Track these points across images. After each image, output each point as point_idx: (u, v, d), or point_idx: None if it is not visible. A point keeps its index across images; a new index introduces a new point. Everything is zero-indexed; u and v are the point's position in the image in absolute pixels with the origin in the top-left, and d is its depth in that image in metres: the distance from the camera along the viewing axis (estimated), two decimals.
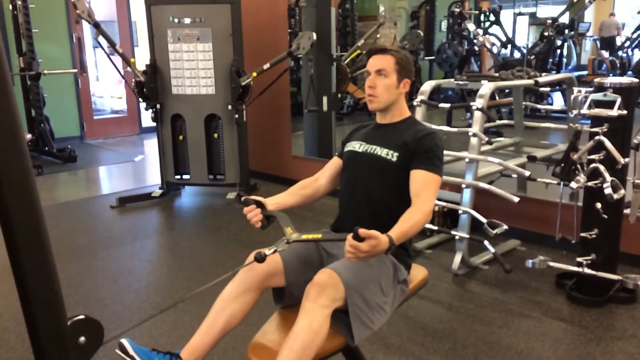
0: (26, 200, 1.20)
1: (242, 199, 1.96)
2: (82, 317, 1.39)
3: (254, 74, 4.53)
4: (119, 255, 3.73)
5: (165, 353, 1.78)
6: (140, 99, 4.85)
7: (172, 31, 4.67)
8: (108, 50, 4.64)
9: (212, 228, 4.27)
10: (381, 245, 1.60)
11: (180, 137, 4.90)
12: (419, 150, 1.94)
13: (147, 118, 8.44)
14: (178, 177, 5.02)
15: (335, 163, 2.21)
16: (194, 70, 4.72)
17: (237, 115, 4.69)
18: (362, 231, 1.55)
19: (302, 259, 1.94)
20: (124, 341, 1.72)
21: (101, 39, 4.35)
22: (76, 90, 7.81)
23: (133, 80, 4.79)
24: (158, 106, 4.81)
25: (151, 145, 7.68)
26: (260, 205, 1.93)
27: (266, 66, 4.51)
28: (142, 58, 6.42)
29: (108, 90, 9.87)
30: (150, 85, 4.72)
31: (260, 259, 1.63)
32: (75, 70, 7.21)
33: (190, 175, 4.96)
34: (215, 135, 4.84)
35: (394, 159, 1.96)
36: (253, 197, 1.95)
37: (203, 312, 1.84)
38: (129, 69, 5.10)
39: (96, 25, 4.27)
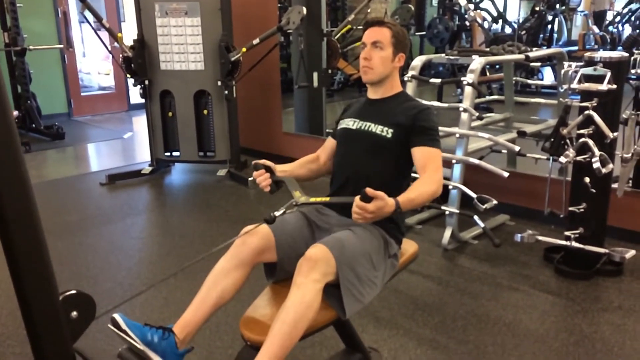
0: (16, 177, 1.19)
1: (253, 162, 1.97)
2: (73, 292, 1.39)
3: (244, 50, 4.48)
4: (109, 232, 3.72)
5: (158, 328, 1.79)
6: (128, 75, 4.78)
7: (160, 5, 4.60)
8: (94, 25, 4.56)
9: (203, 205, 4.27)
10: (387, 207, 1.64)
11: (170, 114, 4.85)
12: (417, 127, 1.94)
13: (135, 94, 8.34)
14: (168, 154, 4.99)
15: (330, 144, 2.21)
16: (183, 45, 4.66)
17: (226, 92, 4.65)
18: (369, 191, 1.60)
19: (293, 234, 1.94)
20: (117, 316, 1.73)
21: (87, 13, 4.27)
22: (63, 66, 7.69)
23: (120, 55, 4.72)
24: (146, 82, 4.75)
25: (140, 122, 7.62)
26: (269, 170, 1.95)
27: (256, 41, 4.46)
28: (129, 33, 6.31)
29: (95, 66, 9.73)
30: (138, 61, 4.66)
31: (270, 220, 1.69)
32: (62, 46, 7.08)
33: (180, 152, 4.94)
34: (205, 111, 4.80)
35: (389, 135, 1.95)
36: (263, 161, 1.96)
37: (194, 288, 1.85)
38: (116, 44, 5.03)
39: (82, 0, 4.18)
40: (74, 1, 7.86)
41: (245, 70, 4.69)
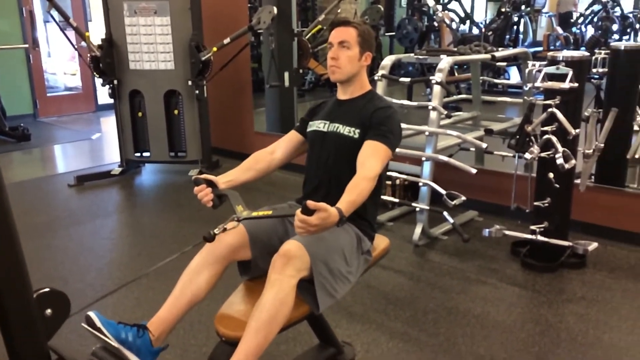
0: None
1: (193, 178, 1.92)
2: (47, 289, 1.40)
3: (215, 49, 4.47)
4: (79, 233, 3.67)
5: (132, 325, 1.79)
6: (96, 75, 4.72)
7: (129, 4, 4.55)
8: (61, 25, 4.49)
9: (174, 205, 4.25)
10: (331, 218, 1.58)
11: (140, 114, 4.81)
12: (373, 123, 1.95)
13: (103, 95, 8.25)
14: (138, 154, 4.94)
15: (292, 137, 2.17)
16: (152, 44, 4.62)
17: (197, 91, 4.63)
18: (310, 203, 1.54)
19: (267, 231, 1.96)
20: (92, 314, 1.72)
21: (54, 12, 4.20)
22: (28, 66, 7.52)
23: (88, 55, 4.66)
24: (115, 82, 4.70)
25: (108, 122, 7.51)
26: (211, 184, 1.90)
27: (226, 41, 4.46)
28: (96, 32, 6.22)
29: (60, 66, 9.54)
30: (107, 61, 4.61)
31: (210, 238, 1.66)
32: (27, 45, 6.94)
33: (151, 153, 4.89)
34: (176, 111, 4.77)
35: (356, 136, 1.96)
36: (204, 176, 1.91)
37: (167, 287, 1.86)
38: (83, 43, 4.95)
39: None
40: (39, 0, 7.72)
41: (216, 69, 4.69)
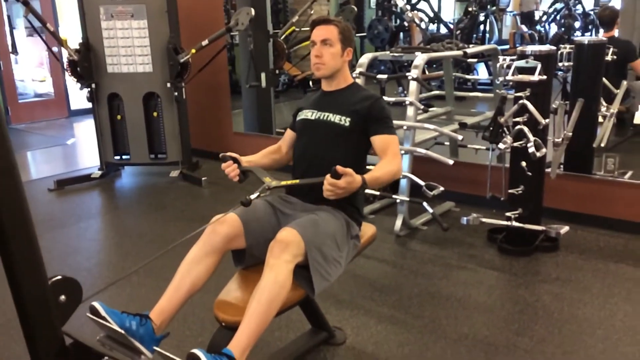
0: (7, 171, 1.28)
1: (220, 155, 2.07)
2: (60, 277, 1.46)
3: (193, 51, 4.53)
4: (63, 236, 3.69)
5: (135, 315, 1.86)
6: (74, 79, 4.72)
7: (105, 8, 4.57)
8: (39, 30, 4.49)
9: (158, 206, 4.29)
10: (355, 183, 1.80)
11: (119, 117, 4.83)
12: (373, 116, 2.11)
13: (76, 100, 8.20)
14: (118, 157, 4.96)
15: (289, 135, 2.35)
16: (130, 48, 4.65)
17: (176, 93, 4.68)
18: (339, 168, 1.75)
19: (261, 221, 2.06)
20: (96, 304, 1.79)
21: (31, 17, 4.21)
22: None
23: (66, 59, 4.66)
24: (93, 85, 4.71)
25: (82, 128, 7.47)
26: (236, 161, 2.06)
27: (205, 42, 4.52)
28: (67, 37, 6.18)
29: (28, 73, 9.41)
30: (84, 64, 4.62)
31: (247, 202, 1.82)
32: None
33: (131, 155, 4.91)
34: (155, 113, 4.81)
35: (347, 123, 2.11)
36: (230, 153, 2.07)
37: (159, 284, 1.92)
38: (55, 48, 4.94)
39: (25, 3, 4.12)
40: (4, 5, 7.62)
41: (194, 71, 4.74)
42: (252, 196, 1.84)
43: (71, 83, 7.72)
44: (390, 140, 2.10)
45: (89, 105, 4.88)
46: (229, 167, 2.05)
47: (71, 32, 4.88)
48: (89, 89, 4.72)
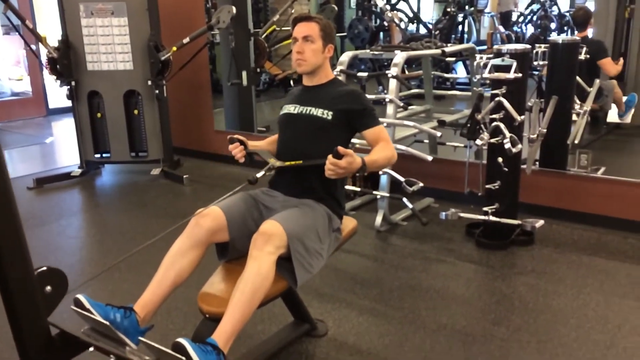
0: None
1: (228, 137, 2.17)
2: (46, 268, 1.49)
3: (174, 49, 4.53)
4: (44, 234, 3.67)
5: (119, 307, 1.88)
6: (54, 76, 4.69)
7: (85, 6, 4.56)
8: (17, 27, 4.45)
9: (139, 203, 4.29)
10: (355, 164, 1.90)
11: (99, 115, 4.80)
12: (357, 111, 2.18)
13: (54, 99, 8.12)
14: (98, 155, 4.93)
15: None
16: (110, 45, 4.64)
17: (157, 91, 4.67)
18: (340, 149, 1.85)
19: (244, 215, 2.09)
20: (80, 296, 1.80)
21: (10, 14, 4.17)
22: None
23: (46, 56, 4.63)
24: (73, 83, 4.68)
25: (61, 126, 7.40)
26: (242, 143, 2.15)
27: (186, 40, 4.53)
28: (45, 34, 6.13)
29: (4, 72, 9.28)
30: (64, 62, 4.59)
31: (254, 181, 1.95)
32: None
33: (111, 153, 4.89)
34: (136, 111, 4.79)
35: (329, 117, 2.16)
36: (237, 136, 2.16)
37: (140, 279, 1.95)
38: (33, 46, 4.90)
39: (4, 0, 4.08)
40: None
41: (175, 69, 4.74)
42: (258, 174, 1.97)
43: (49, 81, 7.65)
44: (380, 131, 2.18)
45: (68, 103, 4.85)
46: (236, 148, 2.13)
47: (50, 30, 4.83)
48: (69, 87, 4.69)
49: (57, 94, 7.30)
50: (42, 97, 8.23)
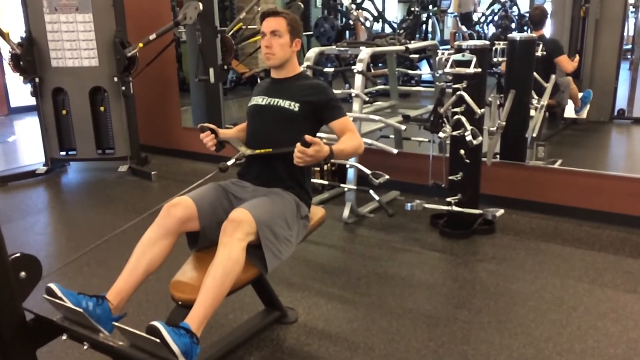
0: None
1: (198, 126, 2.23)
2: (19, 254, 1.51)
3: (140, 45, 4.52)
4: (10, 231, 3.63)
5: (92, 296, 1.90)
6: (17, 73, 4.62)
7: (48, 1, 4.50)
8: None
9: (107, 200, 4.27)
10: (323, 152, 1.96)
11: (64, 112, 4.76)
12: (323, 103, 2.25)
13: (15, 98, 7.96)
14: (63, 153, 4.88)
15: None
16: (75, 41, 4.60)
17: (123, 88, 4.66)
18: (308, 137, 1.91)
19: (214, 204, 2.14)
20: (52, 285, 1.82)
21: None
22: None
23: (8, 53, 4.56)
24: (37, 80, 4.63)
25: (24, 125, 7.26)
26: (213, 132, 2.21)
27: (153, 36, 4.52)
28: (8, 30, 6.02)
29: None
30: (28, 58, 4.53)
31: (225, 168, 2.02)
32: None
33: (77, 151, 4.85)
34: (102, 108, 4.76)
35: (296, 109, 2.23)
36: (207, 124, 2.22)
37: (110, 274, 1.96)
38: None
39: None
40: None
41: (142, 66, 4.73)
42: (229, 162, 2.03)
43: (11, 80, 7.50)
44: (346, 121, 2.25)
45: (31, 102, 4.79)
46: (207, 136, 2.19)
47: (12, 26, 4.76)
48: (33, 84, 4.63)
49: (20, 92, 7.15)
50: (4, 96, 8.06)
